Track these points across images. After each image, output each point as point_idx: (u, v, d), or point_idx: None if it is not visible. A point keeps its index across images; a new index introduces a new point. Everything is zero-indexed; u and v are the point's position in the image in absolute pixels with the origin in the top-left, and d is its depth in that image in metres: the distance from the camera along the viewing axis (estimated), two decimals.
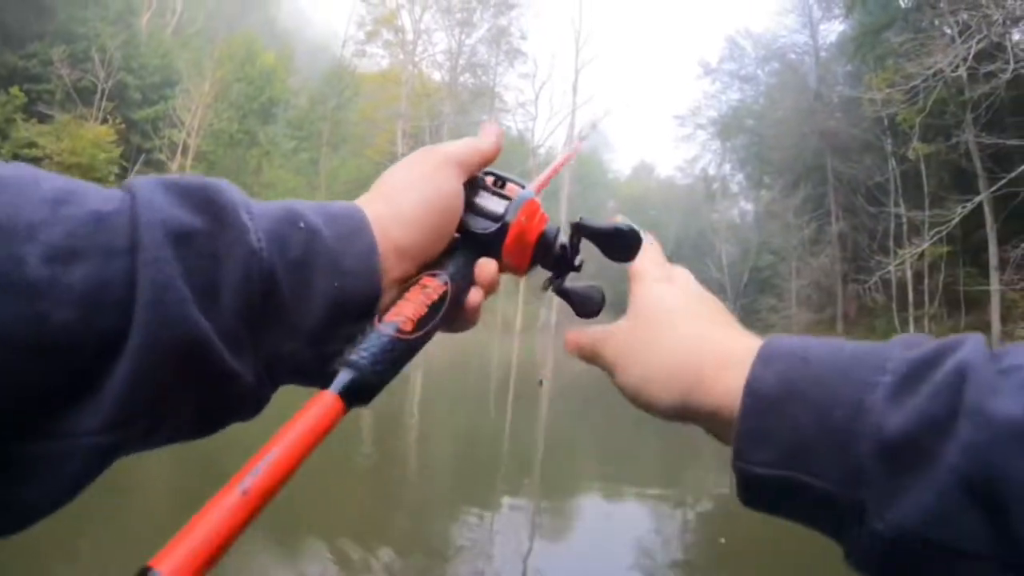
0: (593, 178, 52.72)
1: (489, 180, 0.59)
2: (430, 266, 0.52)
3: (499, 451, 7.62)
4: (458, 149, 0.55)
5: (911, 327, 25.71)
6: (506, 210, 0.55)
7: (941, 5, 20.69)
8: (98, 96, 28.10)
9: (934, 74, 19.89)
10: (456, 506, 5.05)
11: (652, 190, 55.31)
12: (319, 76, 41.00)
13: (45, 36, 27.48)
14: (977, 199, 20.92)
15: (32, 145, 25.30)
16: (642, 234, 0.59)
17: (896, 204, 26.49)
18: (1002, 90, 18.95)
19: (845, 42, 31.81)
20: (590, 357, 0.56)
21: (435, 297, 0.49)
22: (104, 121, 27.64)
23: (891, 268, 23.58)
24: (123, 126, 27.90)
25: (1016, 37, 19.52)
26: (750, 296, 38.45)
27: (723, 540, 4.75)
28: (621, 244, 0.58)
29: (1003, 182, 19.40)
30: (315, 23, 59.56)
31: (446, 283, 0.50)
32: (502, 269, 0.56)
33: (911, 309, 25.76)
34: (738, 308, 38.86)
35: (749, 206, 45.59)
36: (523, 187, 0.59)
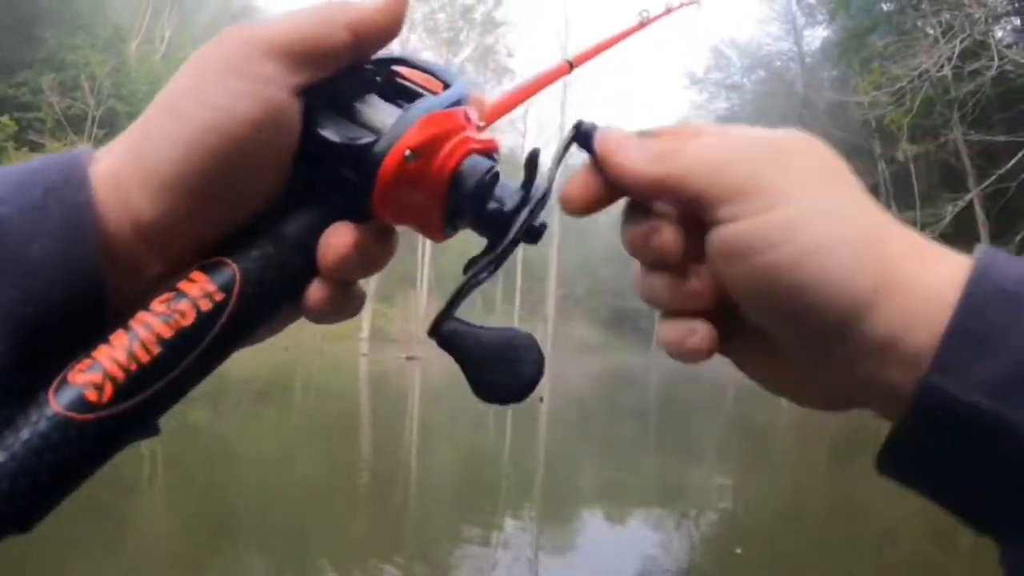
0: None
1: (407, 73, 0.40)
2: (226, 244, 0.34)
3: (500, 473, 7.51)
4: (291, 26, 0.34)
5: None
6: (382, 127, 0.35)
7: (923, 6, 20.95)
8: (89, 123, 28.14)
9: (920, 75, 20.08)
10: (457, 531, 4.99)
11: None
12: None
13: (35, 64, 27.56)
14: (968, 196, 21.06)
15: None
16: None
17: (887, 205, 26.28)
18: (987, 87, 19.14)
19: (829, 47, 32.17)
20: (682, 173, 0.34)
21: (185, 322, 0.31)
22: (95, 148, 27.60)
23: None
24: None
25: (999, 35, 19.78)
26: None
27: (739, 550, 4.71)
28: None
29: (992, 179, 19.55)
30: None
31: (230, 283, 0.33)
32: (382, 237, 0.36)
33: None
34: None
35: None
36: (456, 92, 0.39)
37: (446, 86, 0.39)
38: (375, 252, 0.36)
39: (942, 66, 19.47)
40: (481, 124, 0.39)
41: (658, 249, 0.35)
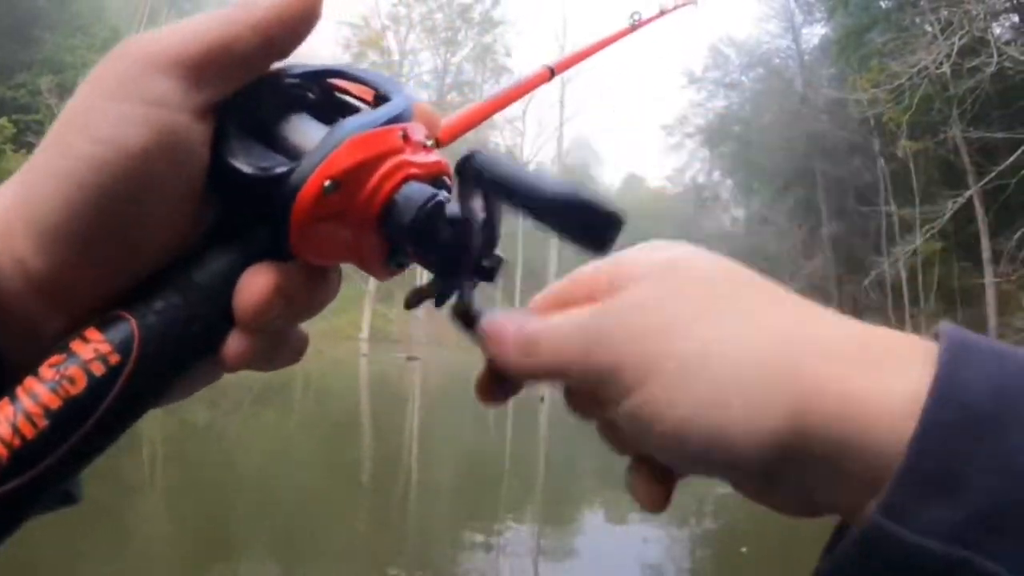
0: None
1: (349, 87, 0.35)
2: (128, 295, 0.29)
3: (501, 473, 7.51)
4: (189, 32, 0.30)
5: (908, 326, 25.79)
6: (305, 152, 0.30)
7: (922, 3, 20.93)
8: None
9: (919, 72, 20.07)
10: (458, 533, 4.98)
11: (643, 201, 55.35)
12: None
13: (33, 66, 27.54)
14: (967, 193, 21.07)
15: None
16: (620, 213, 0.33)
17: (887, 203, 26.61)
18: (987, 84, 19.13)
19: (828, 45, 32.16)
20: (555, 362, 0.32)
21: (75, 390, 0.27)
22: None
23: (885, 267, 23.67)
24: None
25: (997, 32, 19.76)
26: None
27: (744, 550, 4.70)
28: (581, 222, 0.32)
29: (992, 175, 19.54)
30: (301, 47, 59.95)
31: (128, 341, 0.28)
32: (313, 278, 0.32)
33: (907, 307, 25.82)
34: None
35: (740, 212, 45.77)
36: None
37: (385, 99, 0.34)
38: (304, 296, 0.31)
39: (941, 63, 19.46)
40: (428, 143, 0.34)
41: (592, 415, 0.34)
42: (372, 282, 37.22)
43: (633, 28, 1.28)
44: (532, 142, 43.26)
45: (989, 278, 21.96)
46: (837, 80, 30.22)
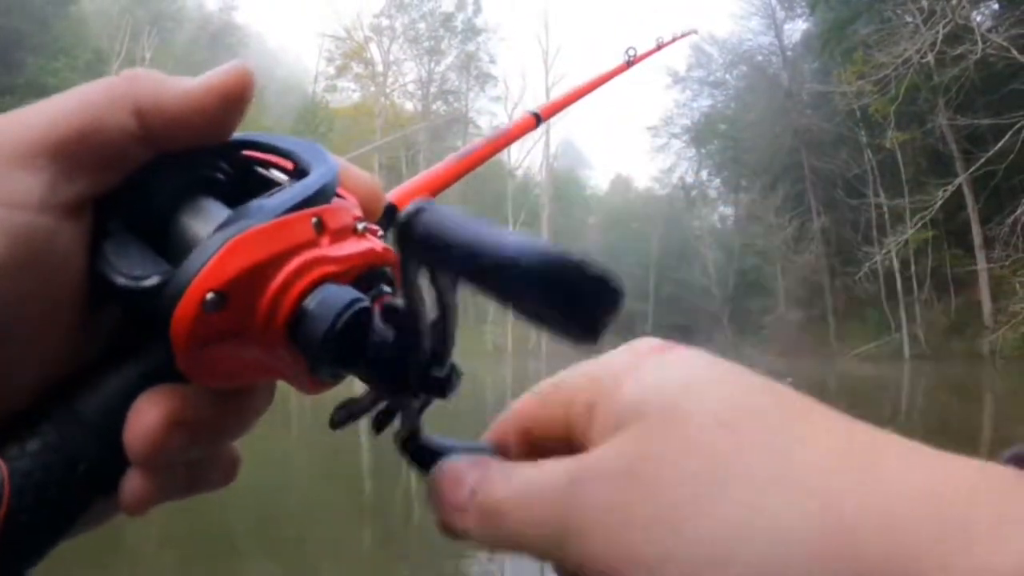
0: (571, 196, 52.83)
1: (276, 162, 0.29)
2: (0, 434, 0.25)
3: None
4: (56, 114, 0.24)
5: (903, 314, 25.89)
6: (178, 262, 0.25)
7: None
8: None
9: (904, 62, 20.20)
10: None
11: (631, 203, 55.48)
12: (292, 114, 41.10)
13: (15, 90, 27.33)
14: (957, 181, 21.20)
15: None
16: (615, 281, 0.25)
17: (876, 194, 26.74)
18: (971, 71, 19.26)
19: (811, 39, 32.37)
20: (522, 543, 0.24)
21: None
22: None
23: (878, 259, 23.77)
24: None
25: (978, 19, 19.92)
26: (738, 299, 38.60)
27: None
28: (565, 297, 0.23)
29: (980, 162, 19.66)
30: (284, 62, 59.82)
31: None
32: (224, 400, 0.26)
33: (901, 297, 25.91)
34: (727, 312, 39.05)
35: (729, 210, 45.95)
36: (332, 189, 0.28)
37: (304, 173, 0.27)
38: (212, 422, 0.26)
39: (925, 53, 19.60)
40: (360, 226, 0.27)
41: None
42: None
43: (629, 64, 1.29)
44: (518, 148, 43.25)
45: (982, 264, 22.08)
46: (821, 74, 30.41)
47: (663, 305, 45.38)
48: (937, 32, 18.89)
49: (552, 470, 0.23)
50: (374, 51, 40.65)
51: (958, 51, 18.73)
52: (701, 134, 42.01)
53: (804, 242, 32.83)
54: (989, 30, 18.86)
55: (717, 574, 0.19)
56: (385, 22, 40.47)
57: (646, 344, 0.25)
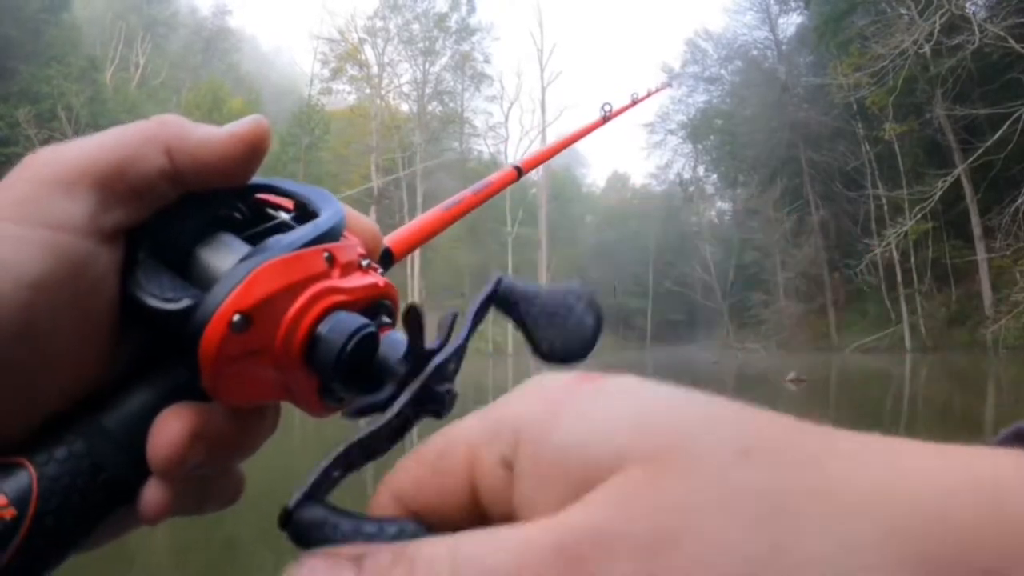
0: (569, 194, 52.85)
1: (282, 203, 0.32)
2: (29, 440, 0.26)
3: None
4: (95, 148, 0.27)
5: (903, 306, 25.87)
6: (215, 281, 0.27)
7: None
8: None
9: (901, 53, 20.18)
10: None
11: (628, 200, 55.54)
12: (287, 117, 41.03)
13: (10, 98, 27.28)
14: (956, 172, 21.18)
15: None
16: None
17: (874, 186, 26.71)
18: (968, 61, 19.25)
19: (805, 33, 32.35)
20: None
21: None
22: None
23: (877, 251, 23.75)
24: None
25: (974, 9, 19.89)
26: (738, 293, 38.58)
27: None
28: (559, 328, 0.27)
29: (979, 152, 19.63)
30: (278, 66, 59.73)
31: (24, 494, 0.25)
32: (238, 419, 0.28)
33: (901, 288, 25.89)
34: (727, 306, 39.05)
35: (727, 205, 45.96)
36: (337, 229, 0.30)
37: (314, 215, 0.30)
38: (228, 439, 0.28)
39: (922, 45, 19.57)
40: (364, 263, 0.30)
41: None
42: None
43: (605, 120, 1.31)
44: (515, 146, 43.22)
45: (981, 254, 22.05)
46: (816, 68, 30.40)
47: (662, 301, 45.42)
48: (934, 22, 18.86)
49: (507, 535, 0.18)
50: (368, 53, 40.61)
51: (955, 41, 18.71)
52: (697, 130, 41.99)
53: (803, 236, 32.82)
54: (986, 20, 18.82)
55: None
56: (379, 23, 40.42)
57: (557, 381, 0.21)
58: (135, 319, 0.27)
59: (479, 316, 0.28)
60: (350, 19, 40.86)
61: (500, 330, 40.93)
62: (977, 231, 22.41)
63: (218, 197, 0.30)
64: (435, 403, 0.26)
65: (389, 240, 0.46)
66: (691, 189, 44.73)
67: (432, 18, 41.27)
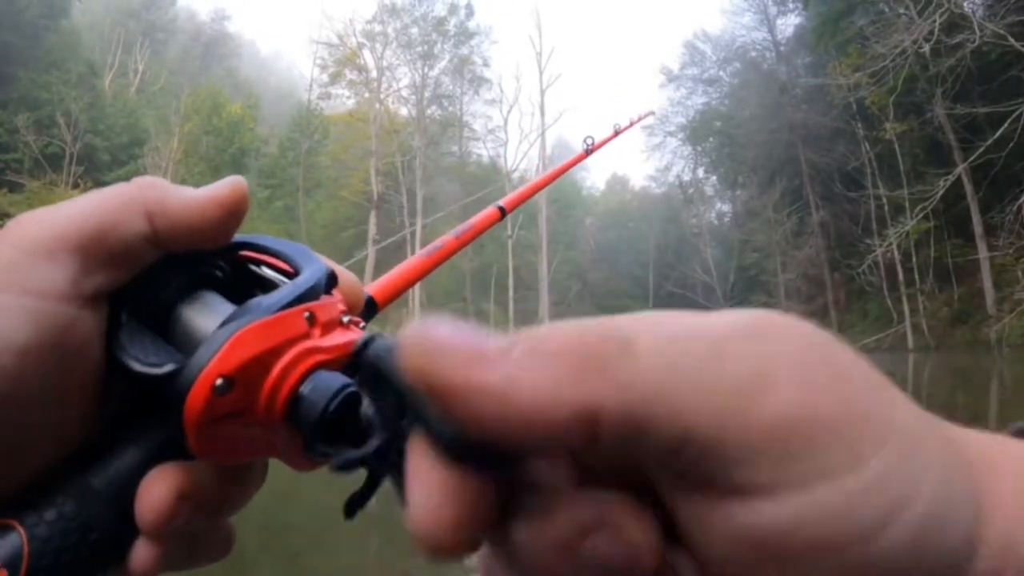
0: (569, 197, 52.81)
1: (270, 262, 0.32)
2: (18, 501, 0.27)
3: None
4: (77, 213, 0.27)
5: (905, 306, 25.81)
6: (201, 342, 0.27)
7: None
8: (67, 161, 27.88)
9: (900, 52, 20.15)
10: None
11: (628, 202, 55.47)
12: (286, 123, 41.01)
13: (8, 104, 27.27)
14: (956, 171, 21.12)
15: (5, 215, 24.95)
16: None
17: (875, 186, 26.67)
18: (968, 60, 19.20)
19: (804, 34, 32.35)
20: (565, 409, 0.19)
21: None
22: (75, 186, 27.38)
23: (879, 251, 23.69)
24: (94, 189, 27.68)
25: (972, 8, 19.85)
26: (739, 295, 38.52)
27: None
28: None
29: (980, 151, 19.58)
30: (276, 71, 59.75)
31: (16, 555, 0.25)
32: (226, 477, 0.29)
33: (903, 288, 25.83)
34: (729, 308, 38.90)
35: (727, 207, 45.93)
36: (319, 287, 0.30)
37: (297, 273, 0.30)
38: (216, 497, 0.28)
39: (921, 44, 19.53)
40: (346, 319, 0.30)
41: (613, 554, 0.19)
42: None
43: (588, 153, 1.36)
44: (515, 150, 43.22)
45: (983, 253, 22.01)
46: (815, 68, 30.37)
47: (663, 304, 45.28)
48: (934, 21, 18.82)
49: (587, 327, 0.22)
50: (367, 57, 40.58)
51: (955, 40, 18.66)
52: (697, 132, 41.96)
53: (804, 236, 32.78)
54: (985, 18, 18.78)
55: (872, 452, 0.18)
56: (377, 28, 40.40)
57: (731, 316, 0.21)
58: (120, 379, 0.27)
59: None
60: (348, 23, 40.88)
61: (501, 331, 40.62)
62: (978, 230, 22.36)
63: (199, 256, 0.30)
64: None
65: (372, 288, 0.47)
66: (691, 191, 44.71)
67: (430, 22, 41.28)
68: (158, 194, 0.28)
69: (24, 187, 26.07)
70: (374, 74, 40.48)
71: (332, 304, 0.30)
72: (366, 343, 0.27)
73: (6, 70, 27.32)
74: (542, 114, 42.11)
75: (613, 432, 0.18)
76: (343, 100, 42.74)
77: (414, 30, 41.12)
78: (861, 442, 0.18)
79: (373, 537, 5.15)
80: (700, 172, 45.04)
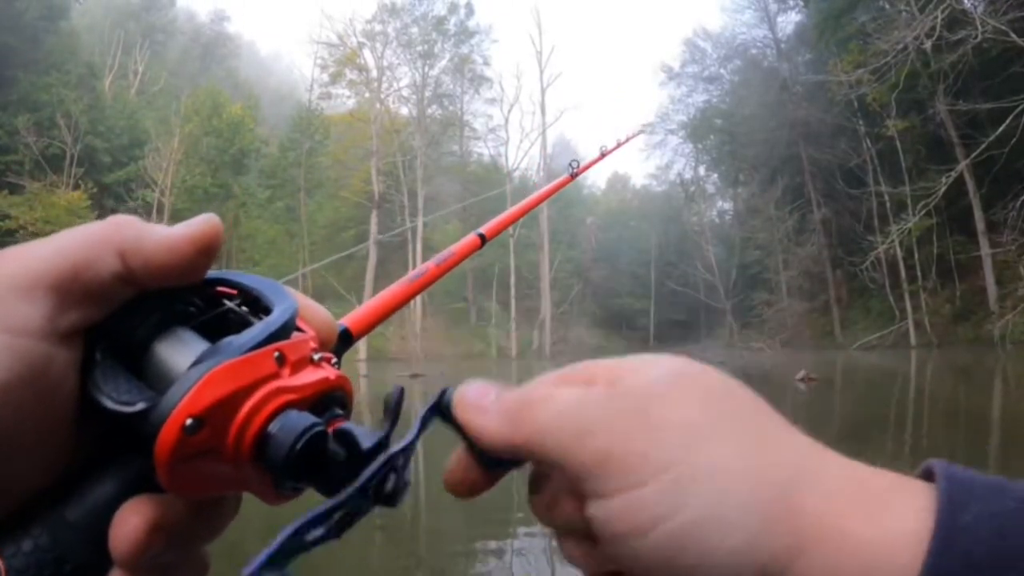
0: (570, 197, 52.73)
1: (243, 297, 0.33)
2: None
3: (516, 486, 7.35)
4: (51, 252, 0.28)
5: (907, 303, 25.76)
6: (173, 380, 0.28)
7: None
8: (67, 162, 27.87)
9: (902, 48, 20.08)
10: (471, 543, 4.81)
11: (629, 201, 55.43)
12: (286, 123, 40.96)
13: (8, 106, 27.25)
14: (959, 167, 21.06)
15: (6, 217, 25.03)
16: None
17: (876, 183, 26.62)
18: (970, 56, 19.14)
19: (804, 31, 32.27)
20: (542, 439, 0.30)
21: None
22: (76, 187, 27.40)
23: (881, 248, 23.64)
24: (95, 190, 27.65)
25: (972, 3, 19.78)
26: (741, 293, 38.46)
27: None
28: None
29: (982, 147, 19.51)
30: (276, 71, 59.70)
31: None
32: (198, 509, 0.29)
33: (905, 285, 25.78)
34: (730, 306, 38.92)
35: (728, 205, 45.86)
36: (294, 322, 0.31)
37: (268, 310, 0.31)
38: (188, 529, 0.29)
39: (922, 41, 19.47)
40: (316, 356, 0.31)
41: (560, 519, 0.31)
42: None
43: (573, 176, 1.37)
44: (516, 149, 43.19)
45: (985, 250, 21.95)
46: (815, 66, 30.31)
47: (665, 301, 45.24)
48: (936, 17, 18.76)
49: (572, 387, 0.30)
50: (367, 57, 40.56)
51: (957, 36, 18.60)
52: (697, 130, 41.90)
53: (805, 234, 32.72)
54: (986, 14, 18.72)
55: (704, 481, 0.27)
56: (378, 27, 40.37)
57: (649, 356, 0.31)
58: (94, 416, 0.28)
59: (424, 423, 0.32)
60: (348, 23, 40.92)
61: (503, 332, 40.84)
62: (980, 226, 22.31)
63: (174, 293, 0.30)
64: (385, 498, 0.29)
65: (349, 319, 0.48)
66: (692, 189, 44.68)
67: (430, 21, 41.24)
68: (132, 233, 0.28)
69: (25, 189, 26.09)
70: (374, 74, 40.47)
71: (303, 342, 0.31)
72: (443, 393, 0.32)
73: (6, 72, 27.29)
74: (543, 113, 42.09)
75: (536, 458, 0.30)
76: (343, 100, 42.74)
77: (414, 29, 41.10)
78: (639, 473, 0.27)
79: (375, 538, 5.12)
80: (701, 170, 45.03)
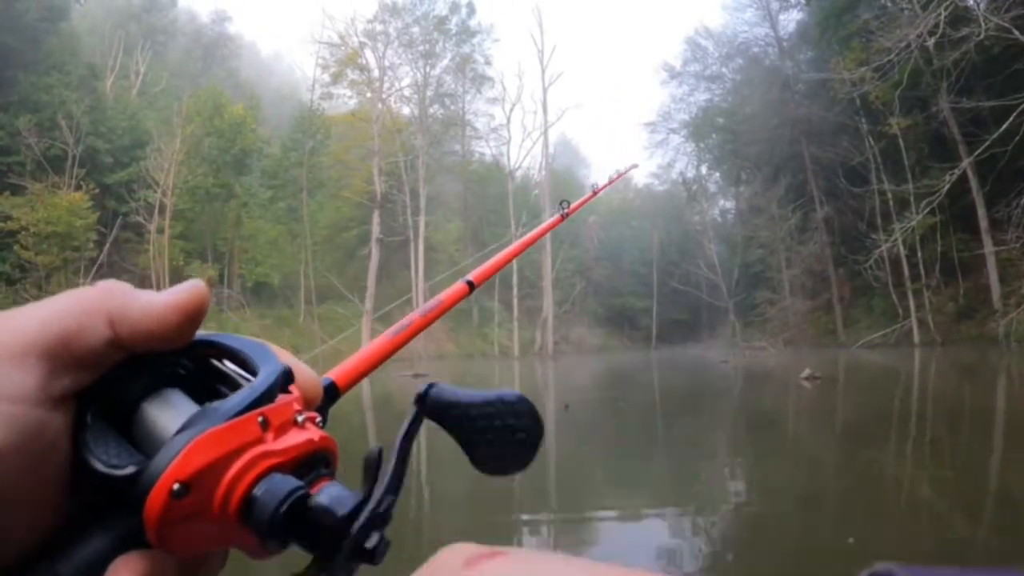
0: (571, 196, 52.45)
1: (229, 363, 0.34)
2: None
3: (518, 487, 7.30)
4: (43, 318, 0.29)
5: (911, 301, 25.71)
6: (162, 443, 0.29)
7: None
8: (69, 163, 27.84)
9: (905, 46, 20.05)
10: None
11: (631, 200, 55.38)
12: (288, 123, 40.96)
13: (9, 107, 27.25)
14: (962, 165, 21.01)
15: (8, 218, 25.04)
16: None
17: (879, 181, 26.57)
18: (972, 54, 19.09)
19: (806, 29, 32.22)
20: None
21: None
22: (77, 188, 27.36)
23: (884, 246, 23.60)
24: (97, 191, 27.62)
25: (970, 1, 19.73)
26: (743, 291, 38.43)
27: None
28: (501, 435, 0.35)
29: (985, 145, 19.47)
30: (277, 72, 59.71)
31: None
32: (188, 565, 0.30)
33: (908, 283, 25.73)
34: (732, 304, 38.88)
35: (730, 203, 45.82)
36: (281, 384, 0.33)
37: (255, 373, 0.32)
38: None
39: (925, 39, 19.42)
40: (300, 418, 0.32)
41: None
42: (369, 301, 37.00)
43: (564, 216, 1.37)
44: (517, 148, 43.14)
45: (988, 248, 21.90)
46: (817, 64, 30.24)
47: (667, 300, 45.26)
48: (939, 15, 18.71)
49: None
50: (369, 57, 40.55)
51: (960, 34, 18.55)
52: (699, 128, 41.86)
53: (808, 232, 32.68)
54: (989, 12, 18.66)
55: None
56: (379, 27, 40.36)
57: (463, 556, 0.25)
58: (86, 478, 0.28)
59: (409, 436, 0.33)
60: (350, 23, 41.03)
61: (505, 332, 40.82)
62: (984, 224, 22.25)
63: (163, 356, 0.31)
64: (367, 555, 0.29)
65: (335, 373, 0.49)
66: (694, 188, 44.68)
67: (432, 21, 41.23)
68: (120, 300, 0.29)
69: (27, 190, 26.06)
70: (376, 73, 40.46)
71: (287, 404, 0.32)
72: (428, 388, 0.33)
73: (7, 73, 27.30)
74: (544, 112, 42.03)
75: None
76: (345, 100, 42.71)
77: (415, 29, 41.08)
78: None
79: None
80: (703, 169, 45.02)
